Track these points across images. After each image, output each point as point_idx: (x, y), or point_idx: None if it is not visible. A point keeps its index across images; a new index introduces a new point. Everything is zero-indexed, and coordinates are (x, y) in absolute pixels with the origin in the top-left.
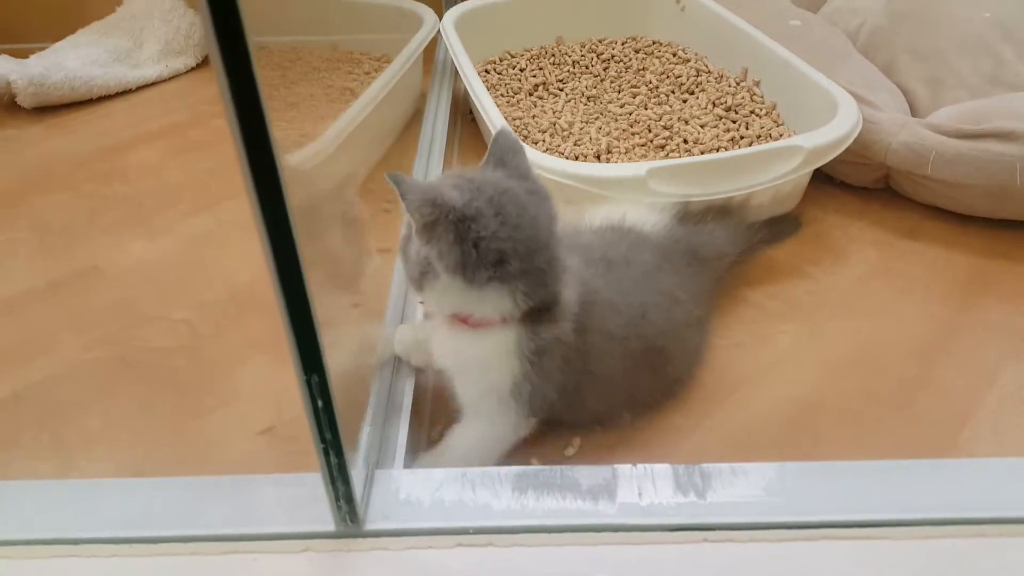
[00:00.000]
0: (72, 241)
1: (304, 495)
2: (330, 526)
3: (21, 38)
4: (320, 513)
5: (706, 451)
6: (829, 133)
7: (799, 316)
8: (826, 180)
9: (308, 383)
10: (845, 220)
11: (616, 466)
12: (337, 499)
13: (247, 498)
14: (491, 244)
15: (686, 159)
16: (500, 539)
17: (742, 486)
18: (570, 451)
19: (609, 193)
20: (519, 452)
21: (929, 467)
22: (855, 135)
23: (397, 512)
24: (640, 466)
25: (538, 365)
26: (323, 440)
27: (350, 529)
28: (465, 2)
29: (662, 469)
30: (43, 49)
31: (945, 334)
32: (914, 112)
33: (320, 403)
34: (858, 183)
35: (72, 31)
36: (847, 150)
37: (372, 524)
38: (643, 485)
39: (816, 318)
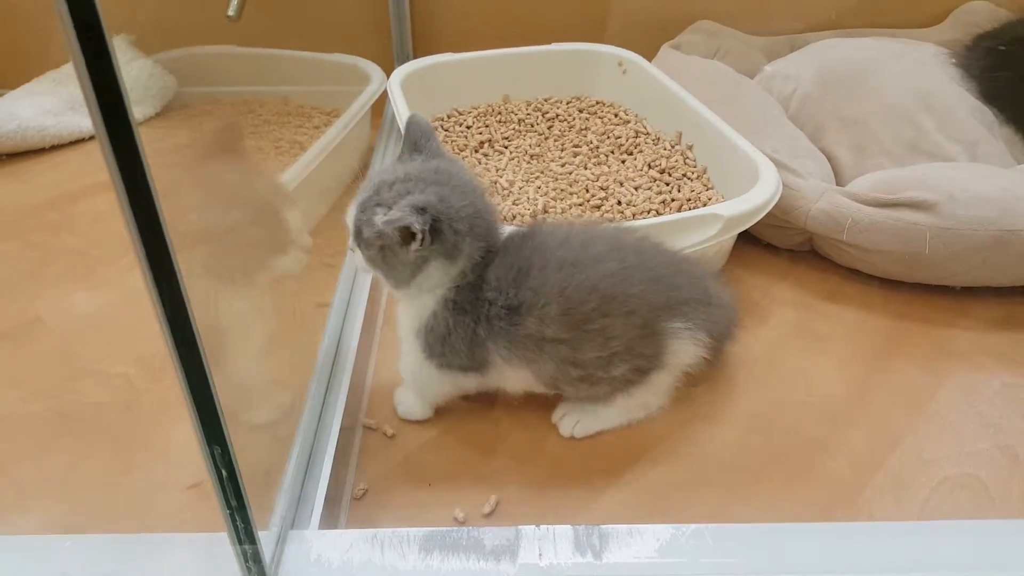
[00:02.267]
0: (16, 291)
1: (220, 554)
2: None
3: None
4: (231, 574)
5: (613, 511)
6: (748, 201)
7: (715, 375)
8: (753, 241)
9: (211, 455)
10: (768, 281)
11: (520, 527)
12: (246, 561)
13: (163, 556)
14: (475, 223)
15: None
16: None
17: (638, 547)
18: (487, 508)
19: None
20: (442, 506)
21: (825, 530)
22: (773, 203)
23: (306, 573)
24: (543, 527)
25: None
26: (229, 507)
27: None
28: (413, 60)
29: (563, 530)
30: None
31: (856, 395)
32: (839, 177)
33: (224, 473)
34: (783, 245)
35: (26, 78)
36: (770, 214)
37: None
38: (544, 546)
39: (732, 378)
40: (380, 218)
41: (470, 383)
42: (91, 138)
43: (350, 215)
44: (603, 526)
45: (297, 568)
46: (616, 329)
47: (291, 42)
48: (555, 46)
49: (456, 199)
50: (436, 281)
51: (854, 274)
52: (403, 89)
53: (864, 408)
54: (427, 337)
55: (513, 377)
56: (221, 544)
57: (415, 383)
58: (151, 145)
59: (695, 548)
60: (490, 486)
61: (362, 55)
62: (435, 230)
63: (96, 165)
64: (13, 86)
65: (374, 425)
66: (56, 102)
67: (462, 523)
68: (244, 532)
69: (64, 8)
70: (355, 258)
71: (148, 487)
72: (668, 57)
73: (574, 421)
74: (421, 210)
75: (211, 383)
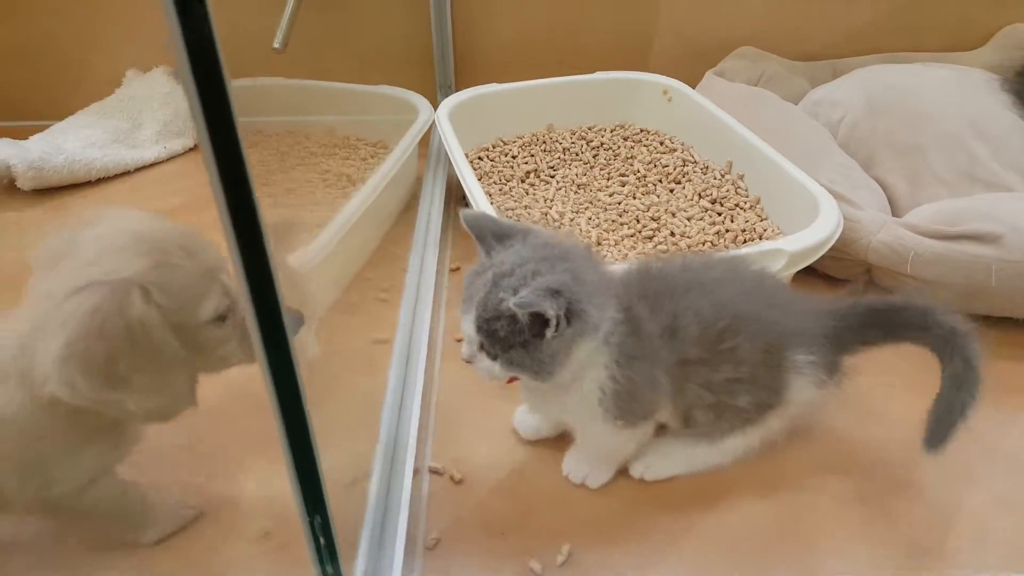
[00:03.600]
0: None
1: None
2: None
3: (19, 115)
4: None
5: (692, 555)
6: (811, 236)
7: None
8: (811, 272)
9: (311, 523)
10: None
11: None
12: None
13: None
14: (605, 287)
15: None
16: None
17: None
18: (560, 558)
19: None
20: (516, 555)
21: None
22: (836, 237)
23: None
24: None
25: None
26: (325, 573)
27: None
28: (460, 92)
29: None
30: (41, 127)
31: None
32: (893, 207)
33: (322, 541)
34: (841, 276)
35: (70, 109)
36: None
37: None
38: None
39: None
40: (508, 304)
41: (649, 428)
42: (136, 171)
43: (467, 323)
44: None
45: None
46: (745, 351)
47: (335, 74)
48: (598, 75)
49: (585, 272)
50: (588, 357)
51: None
52: (451, 120)
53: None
54: (616, 402)
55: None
56: None
57: (609, 455)
58: (193, 176)
59: None
60: (562, 534)
61: (405, 86)
62: (570, 312)
63: (144, 197)
64: (56, 117)
65: (441, 469)
66: (101, 134)
67: (536, 574)
68: None
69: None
70: (484, 368)
71: (216, 537)
72: (712, 84)
73: (646, 465)
74: (555, 292)
75: (316, 455)
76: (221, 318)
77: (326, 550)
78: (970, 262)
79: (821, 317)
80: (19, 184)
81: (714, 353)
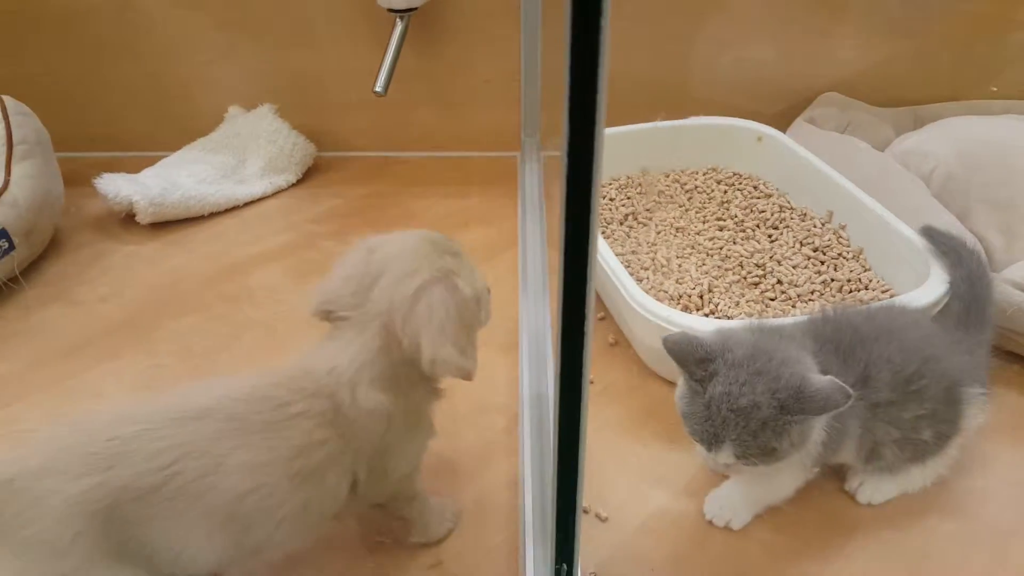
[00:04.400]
0: (214, 365)
1: None
2: None
3: (123, 147)
4: None
5: None
6: (929, 294)
7: None
8: None
9: (557, 571)
10: None
11: None
12: None
13: None
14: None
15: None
16: None
17: None
18: None
19: None
20: None
21: None
22: (944, 302)
23: None
24: None
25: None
26: None
27: None
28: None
29: None
30: (144, 158)
31: None
32: (992, 261)
33: None
34: None
35: (171, 143)
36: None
37: None
38: None
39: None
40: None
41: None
42: (244, 205)
43: (723, 454)
44: None
45: None
46: (931, 390)
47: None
48: (691, 120)
49: (801, 361)
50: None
51: (1015, 358)
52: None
53: None
54: (824, 452)
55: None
56: None
57: (766, 498)
58: (298, 212)
59: None
60: (710, 567)
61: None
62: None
63: (255, 234)
64: (158, 149)
65: (587, 508)
66: (210, 170)
67: None
68: None
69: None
70: (720, 464)
71: (392, 565)
72: (804, 131)
73: (873, 488)
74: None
75: (578, 506)
76: (488, 289)
77: None
78: None
79: (975, 350)
80: (138, 219)
81: (903, 395)
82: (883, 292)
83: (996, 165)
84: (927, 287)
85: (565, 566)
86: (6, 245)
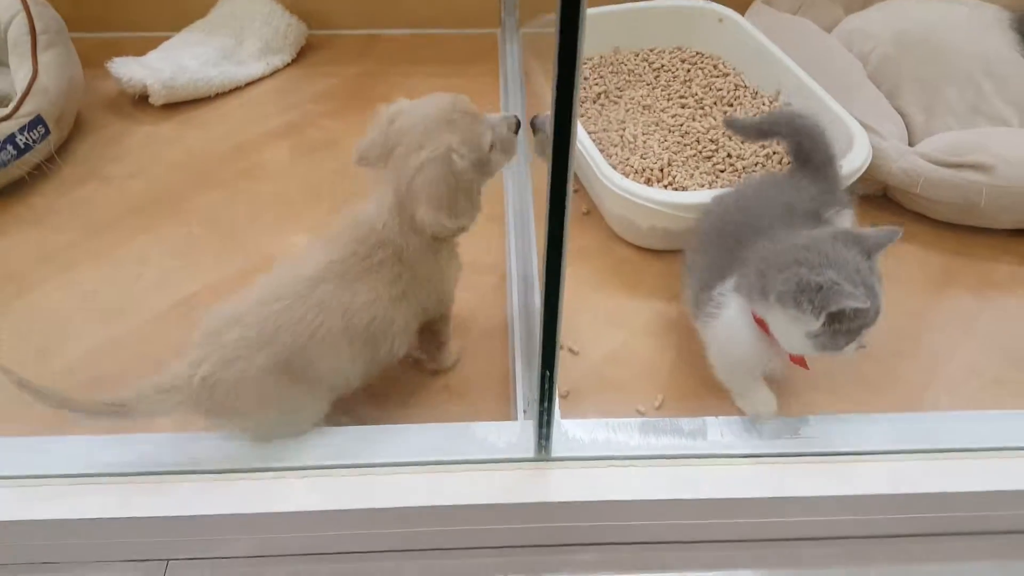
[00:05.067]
0: (244, 235)
1: (509, 434)
2: (531, 454)
3: (120, 27)
4: (524, 445)
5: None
6: (848, 165)
7: None
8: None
9: (542, 376)
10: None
11: (705, 418)
12: (539, 439)
13: (485, 435)
14: None
15: None
16: (636, 463)
17: (781, 429)
18: (656, 403)
19: (687, 215)
20: (626, 402)
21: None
22: (866, 166)
23: (569, 448)
24: (720, 417)
25: None
26: (542, 407)
27: (543, 456)
28: (532, 20)
29: (735, 419)
30: (141, 39)
31: (916, 319)
32: (912, 135)
33: (548, 388)
34: (861, 192)
35: (166, 21)
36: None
37: (557, 453)
38: (723, 430)
39: None
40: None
41: None
42: (246, 86)
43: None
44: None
45: (563, 444)
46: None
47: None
48: (659, 1)
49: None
50: None
51: (917, 217)
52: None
53: (927, 327)
54: None
55: None
56: (505, 430)
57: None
58: (297, 92)
59: (812, 430)
60: (656, 387)
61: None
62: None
63: (260, 113)
64: (152, 30)
65: (561, 344)
66: (212, 52)
67: (642, 414)
68: (546, 423)
69: None
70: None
71: (412, 385)
72: (760, 13)
73: None
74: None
75: (559, 324)
76: (492, 146)
77: (548, 393)
78: (967, 186)
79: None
80: (152, 100)
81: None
82: None
83: (924, 47)
84: (853, 154)
85: (548, 372)
86: (43, 130)
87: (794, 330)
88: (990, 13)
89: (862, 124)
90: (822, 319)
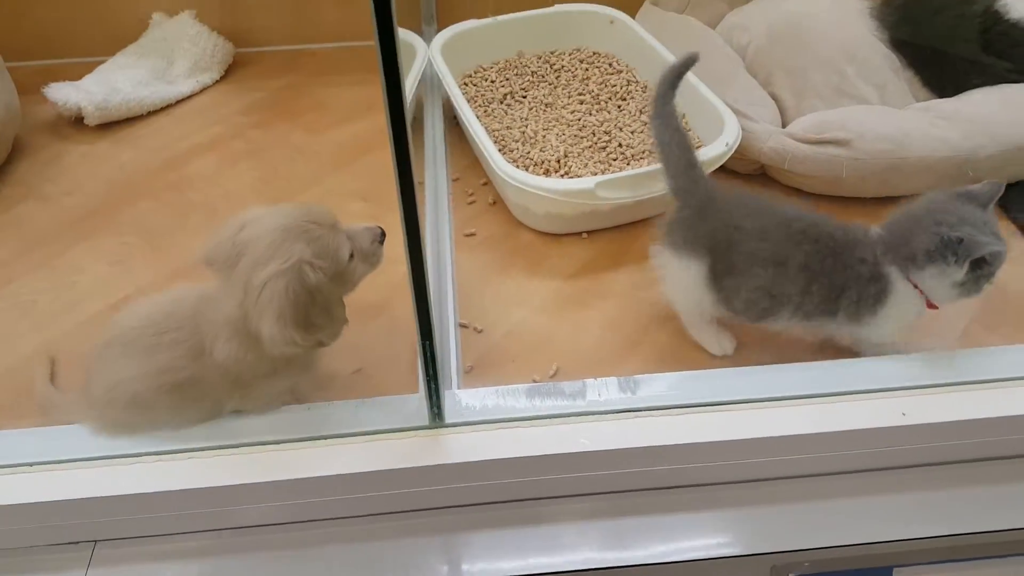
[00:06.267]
0: (173, 240)
1: (407, 405)
2: (426, 422)
3: (56, 55)
4: (420, 415)
5: (633, 367)
6: (716, 148)
7: None
8: (720, 170)
9: (423, 347)
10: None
11: (585, 380)
12: (431, 407)
13: (384, 407)
14: None
15: (623, 172)
16: (522, 424)
17: (656, 386)
18: (551, 371)
19: (573, 200)
20: (523, 373)
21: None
22: (735, 148)
23: (461, 414)
24: (599, 379)
25: None
26: (427, 375)
27: (437, 424)
28: (446, 29)
29: (611, 380)
30: (77, 64)
31: None
32: (784, 116)
33: (429, 356)
34: (742, 171)
35: (99, 49)
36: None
37: (450, 420)
38: (600, 390)
39: None
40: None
41: None
42: (176, 103)
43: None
44: (635, 376)
45: (456, 412)
46: None
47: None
48: (557, 7)
49: None
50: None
51: (794, 191)
52: (442, 53)
53: None
54: None
55: None
56: (404, 402)
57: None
58: (226, 106)
59: (687, 385)
60: (552, 358)
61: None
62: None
63: (188, 128)
64: (87, 55)
65: (467, 324)
66: (144, 73)
67: (537, 382)
68: (435, 392)
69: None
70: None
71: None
72: (649, 13)
73: None
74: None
75: (429, 294)
76: (351, 256)
77: (431, 363)
78: (829, 160)
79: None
80: (87, 121)
81: None
82: (696, 147)
83: (792, 37)
84: (723, 136)
85: (428, 342)
86: None
87: (943, 283)
88: (852, 3)
89: (736, 110)
90: (965, 268)
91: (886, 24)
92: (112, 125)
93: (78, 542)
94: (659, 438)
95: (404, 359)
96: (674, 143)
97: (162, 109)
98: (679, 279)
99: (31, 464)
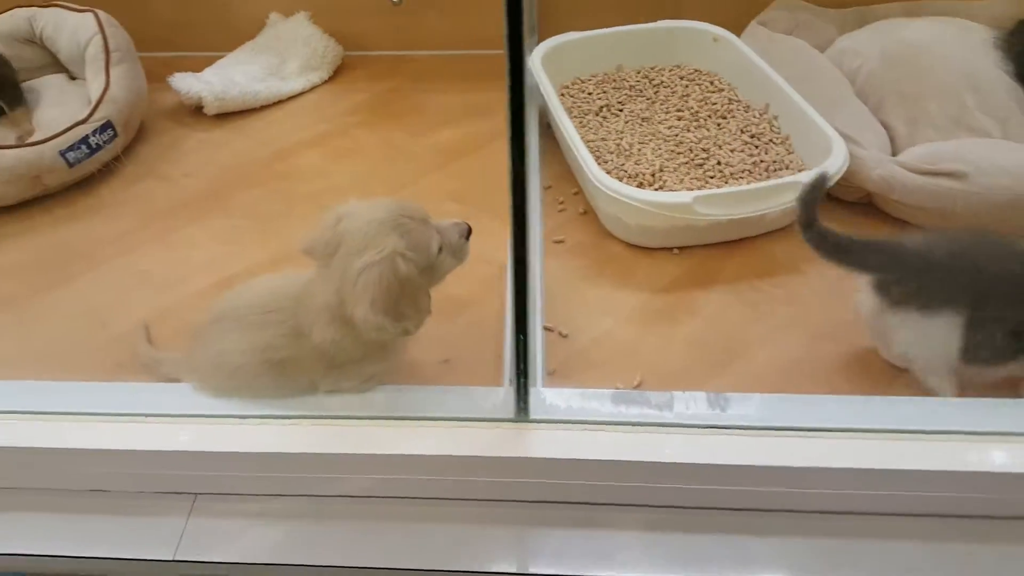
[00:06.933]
0: (280, 226)
1: (493, 397)
2: (511, 414)
3: (179, 47)
4: (506, 407)
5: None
6: (833, 165)
7: (794, 300)
8: (825, 196)
9: (516, 340)
10: (835, 228)
11: (673, 392)
12: (518, 401)
13: (471, 396)
14: None
15: (724, 189)
16: (606, 428)
17: (744, 407)
18: (635, 382)
19: (668, 213)
20: (607, 380)
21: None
22: (842, 173)
23: (546, 412)
24: (687, 392)
25: None
26: (518, 371)
27: (523, 417)
28: (547, 40)
29: (700, 394)
30: (201, 58)
31: None
32: (894, 145)
33: (522, 349)
34: (847, 199)
35: (220, 45)
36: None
37: (535, 416)
38: (688, 403)
39: (806, 302)
40: None
41: None
42: (288, 99)
43: None
44: (725, 393)
45: (541, 408)
46: None
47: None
48: (661, 23)
49: None
50: None
51: (901, 223)
52: (543, 63)
53: None
54: None
55: None
56: (491, 394)
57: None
58: (332, 106)
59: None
60: (636, 369)
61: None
62: None
63: (298, 124)
64: (209, 50)
65: (552, 327)
66: (259, 70)
67: (620, 389)
68: (524, 388)
69: None
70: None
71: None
72: (756, 33)
73: None
74: None
75: (529, 290)
76: (440, 249)
77: (523, 359)
78: (942, 193)
79: None
80: (206, 110)
81: None
82: (799, 170)
83: (909, 63)
84: (830, 160)
85: (522, 336)
86: (112, 133)
87: None
88: (976, 32)
89: (844, 135)
90: None
91: (1011, 55)
92: (228, 115)
93: (181, 492)
94: (749, 458)
95: (488, 353)
96: (870, 249)
97: (274, 104)
98: (925, 335)
99: (145, 415)
